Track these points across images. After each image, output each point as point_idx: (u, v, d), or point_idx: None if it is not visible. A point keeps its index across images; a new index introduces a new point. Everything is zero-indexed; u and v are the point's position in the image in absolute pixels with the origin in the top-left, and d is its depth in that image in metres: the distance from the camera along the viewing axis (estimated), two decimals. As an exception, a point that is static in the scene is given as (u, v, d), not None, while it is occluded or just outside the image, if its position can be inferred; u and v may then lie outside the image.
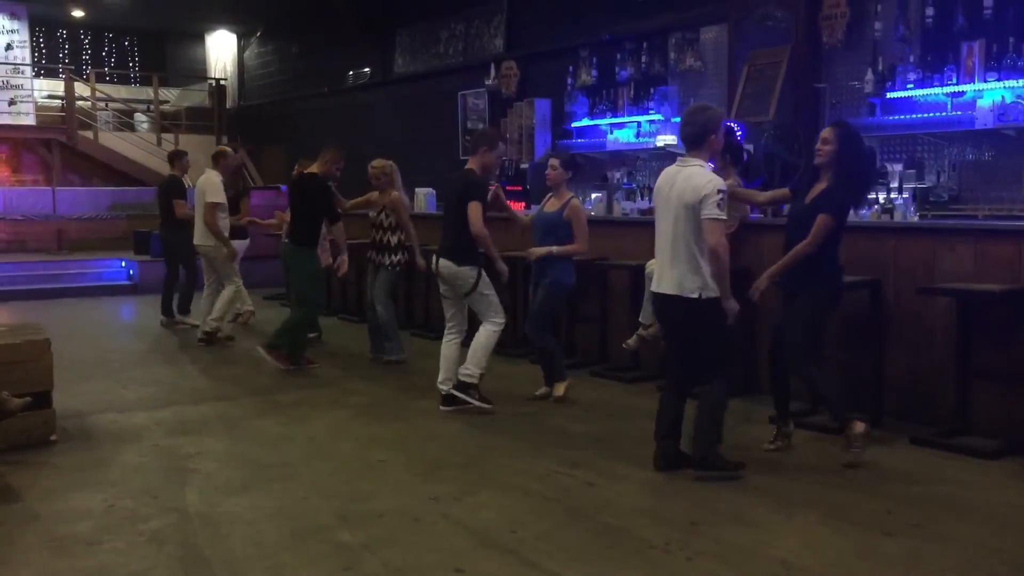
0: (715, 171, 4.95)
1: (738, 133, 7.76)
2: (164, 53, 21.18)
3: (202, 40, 20.82)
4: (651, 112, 9.70)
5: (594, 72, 10.44)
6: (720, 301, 4.72)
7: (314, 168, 7.62)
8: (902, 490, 4.63)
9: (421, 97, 13.85)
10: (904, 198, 7.19)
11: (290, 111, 17.45)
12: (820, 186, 5.10)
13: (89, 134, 17.52)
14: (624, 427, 5.81)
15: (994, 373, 5.35)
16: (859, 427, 4.98)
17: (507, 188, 10.13)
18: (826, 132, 5.14)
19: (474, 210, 6.01)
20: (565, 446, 5.44)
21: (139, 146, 17.75)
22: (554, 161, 6.51)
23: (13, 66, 17.60)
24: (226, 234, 8.91)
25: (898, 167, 7.55)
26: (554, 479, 4.84)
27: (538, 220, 6.51)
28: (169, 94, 20.05)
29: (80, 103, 17.60)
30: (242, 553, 3.90)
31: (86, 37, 20.23)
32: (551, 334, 6.59)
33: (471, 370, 6.10)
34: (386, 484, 4.81)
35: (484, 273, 6.16)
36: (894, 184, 7.41)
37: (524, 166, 11.03)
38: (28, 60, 17.95)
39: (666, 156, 9.22)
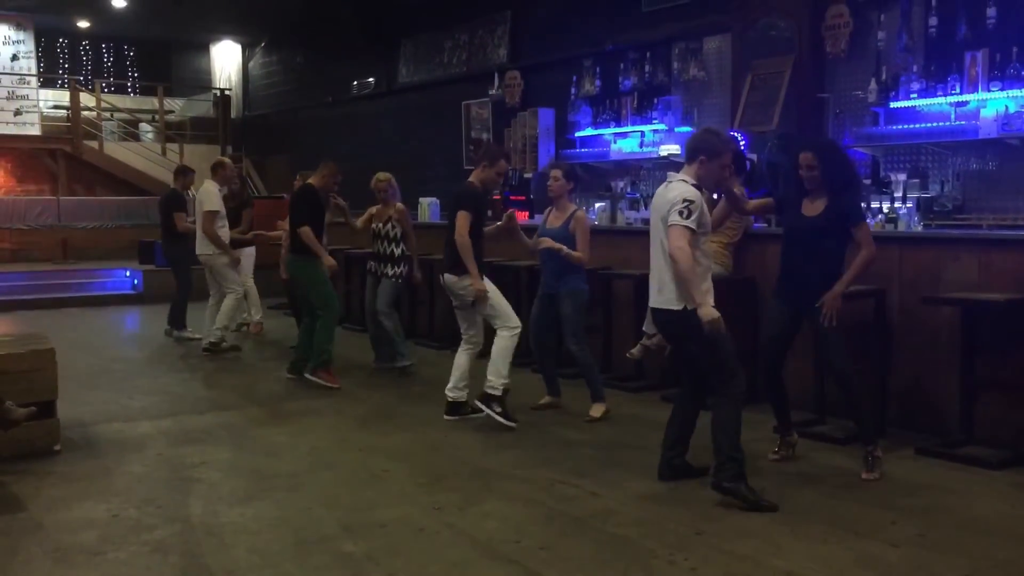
0: (719, 192, 4.96)
1: (741, 143, 7.78)
2: (169, 63, 21.24)
3: (207, 50, 20.88)
4: (655, 122, 9.71)
5: (598, 82, 10.46)
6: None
7: (313, 180, 7.70)
8: (907, 501, 4.61)
9: (425, 107, 13.88)
10: (908, 208, 7.17)
11: (294, 121, 17.50)
12: (819, 203, 5.06)
13: (94, 144, 17.57)
14: (628, 437, 5.81)
15: (999, 383, 5.34)
16: (880, 449, 5.01)
17: (511, 198, 10.17)
18: (807, 159, 5.06)
19: (460, 219, 6.02)
20: (569, 456, 5.44)
21: (144, 156, 17.79)
22: (556, 172, 6.44)
23: (19, 76, 17.66)
24: (226, 242, 8.94)
25: (902, 177, 7.54)
26: (558, 489, 4.83)
27: (543, 236, 6.44)
28: (174, 104, 20.09)
29: (85, 113, 17.64)
30: (245, 563, 3.90)
31: (91, 47, 20.30)
32: (587, 345, 6.45)
33: (492, 381, 6.03)
34: (390, 494, 4.81)
35: (488, 280, 6.16)
36: (898, 194, 7.41)
37: (528, 176, 11.05)
38: (34, 70, 18.01)
39: (670, 166, 9.22)
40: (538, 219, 8.95)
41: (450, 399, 6.26)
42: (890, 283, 5.86)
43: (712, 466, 4.65)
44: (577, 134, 10.71)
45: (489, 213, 7.15)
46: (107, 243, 15.93)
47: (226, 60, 20.34)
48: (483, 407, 6.06)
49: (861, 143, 7.94)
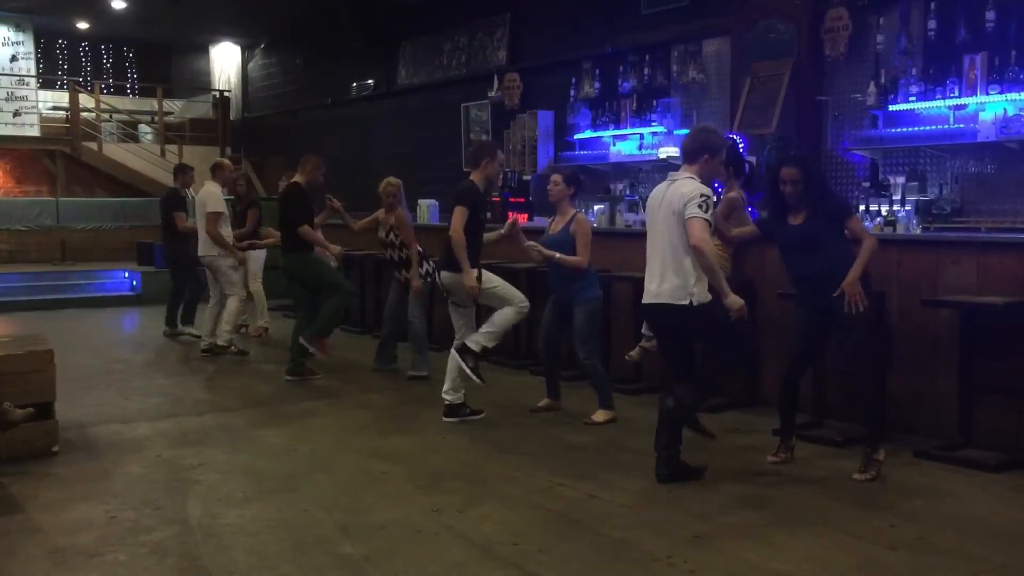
0: (718, 184, 4.96)
1: (740, 145, 7.77)
2: (168, 65, 21.24)
3: (206, 52, 20.88)
4: (654, 124, 9.71)
5: (597, 84, 10.46)
6: (710, 307, 4.76)
7: (297, 178, 7.72)
8: (905, 504, 4.62)
9: (424, 109, 13.88)
10: (907, 211, 7.19)
11: (294, 123, 17.50)
12: (801, 214, 5.08)
13: (93, 145, 17.57)
14: (627, 439, 5.80)
15: (997, 386, 5.34)
16: (882, 453, 5.02)
17: (510, 200, 10.17)
18: (789, 173, 5.03)
19: (456, 214, 6.00)
20: (567, 458, 5.44)
21: (143, 157, 17.80)
22: (556, 177, 6.39)
23: (18, 78, 17.67)
24: (230, 243, 8.96)
25: (901, 179, 7.55)
26: (556, 491, 4.83)
27: (547, 243, 6.42)
28: (173, 106, 20.09)
29: (84, 114, 17.65)
30: (244, 565, 3.90)
31: (91, 49, 20.30)
32: (598, 354, 6.43)
33: (479, 339, 6.03)
34: (388, 496, 4.80)
35: (483, 270, 6.14)
36: (897, 197, 7.41)
37: (527, 178, 11.05)
38: (33, 71, 18.01)
39: (669, 168, 9.22)
40: (538, 221, 9.00)
41: (447, 401, 6.26)
42: (889, 285, 5.86)
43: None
44: (576, 136, 10.71)
45: (488, 215, 7.12)
46: (106, 244, 15.91)
47: (225, 61, 20.34)
48: (458, 359, 6.02)
49: (860, 146, 7.95)
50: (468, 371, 6.02)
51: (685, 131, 9.38)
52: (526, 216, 9.66)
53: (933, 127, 7.43)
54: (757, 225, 5.56)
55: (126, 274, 13.98)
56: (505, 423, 6.22)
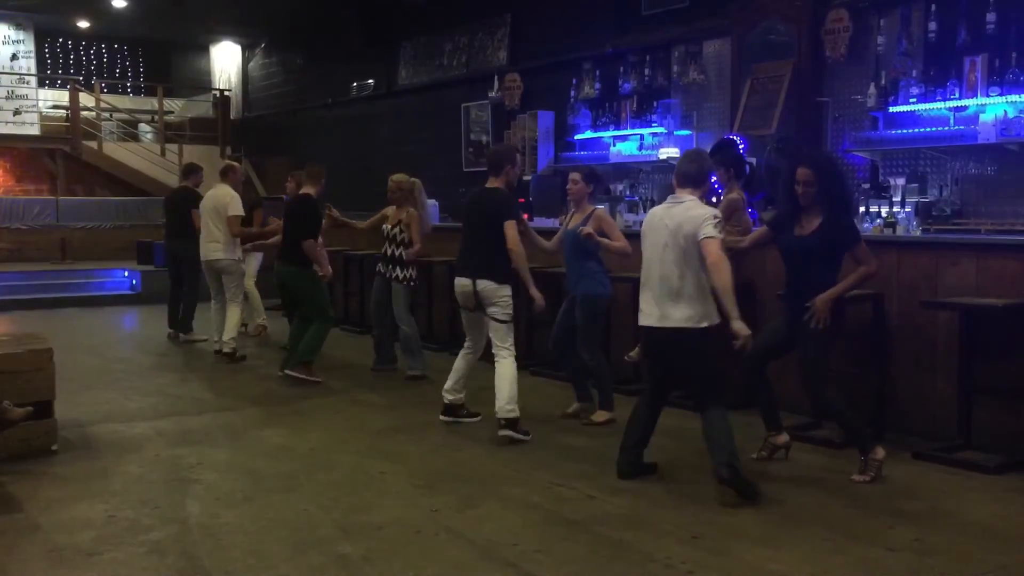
0: (718, 184, 4.95)
1: (740, 146, 7.78)
2: (169, 64, 21.24)
3: (207, 51, 20.88)
4: (654, 125, 9.71)
5: (597, 85, 10.46)
6: (713, 334, 4.75)
7: (309, 189, 7.72)
8: (904, 505, 4.62)
9: (425, 109, 13.88)
10: (907, 212, 7.20)
11: (294, 122, 17.50)
12: (814, 220, 5.02)
13: (93, 144, 17.56)
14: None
15: (997, 388, 5.35)
16: (880, 453, 5.00)
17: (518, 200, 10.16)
18: (804, 174, 4.99)
19: (511, 229, 5.87)
20: (566, 459, 5.44)
21: (143, 157, 17.79)
22: (575, 175, 6.37)
23: (18, 76, 17.67)
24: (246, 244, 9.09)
25: (900, 181, 7.55)
26: (555, 492, 4.83)
27: (565, 237, 6.38)
28: (173, 105, 20.09)
29: (85, 113, 17.63)
30: (242, 564, 3.90)
31: (91, 48, 20.30)
32: (603, 353, 6.40)
33: (512, 405, 5.81)
34: (387, 496, 4.80)
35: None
36: (897, 198, 7.42)
37: (527, 178, 11.05)
38: (33, 70, 18.02)
39: (669, 169, 9.22)
40: (538, 222, 8.99)
41: (447, 400, 6.25)
42: (888, 287, 5.86)
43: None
44: (576, 137, 10.72)
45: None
46: (105, 243, 15.91)
47: (226, 61, 20.34)
48: (516, 435, 5.80)
49: (860, 147, 7.96)
50: (520, 436, 5.83)
51: (686, 132, 9.47)
52: (526, 216, 9.65)
53: (933, 129, 7.44)
54: (768, 224, 5.48)
55: (126, 273, 13.99)
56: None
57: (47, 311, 12.12)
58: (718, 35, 9.19)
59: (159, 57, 20.90)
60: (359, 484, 5.03)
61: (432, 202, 10.41)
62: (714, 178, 6.06)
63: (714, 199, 5.54)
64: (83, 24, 18.47)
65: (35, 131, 17.68)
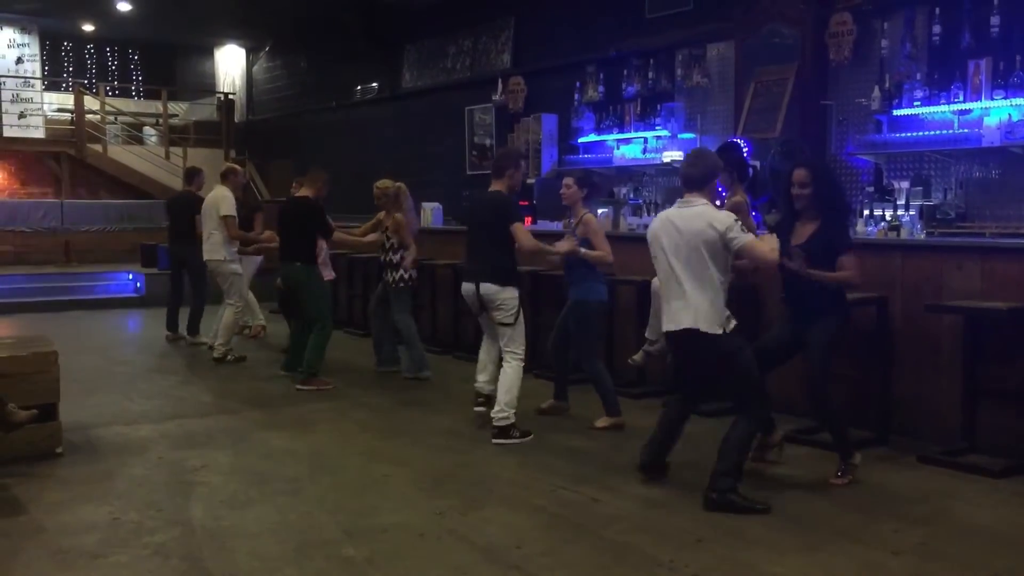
0: (722, 188, 4.94)
1: (744, 149, 7.77)
2: (173, 67, 21.28)
3: (211, 54, 20.92)
4: (658, 128, 9.71)
5: (601, 88, 10.47)
6: (735, 334, 4.76)
7: (307, 191, 7.73)
8: (909, 509, 4.61)
9: (428, 112, 13.89)
10: (911, 215, 7.18)
11: (298, 125, 17.52)
12: (809, 226, 5.01)
13: (98, 147, 17.60)
14: (630, 443, 5.78)
15: (1001, 391, 5.34)
16: (858, 458, 5.06)
17: (518, 202, 10.15)
18: (801, 175, 5.00)
19: (520, 230, 5.92)
20: (570, 462, 5.43)
21: (147, 160, 17.83)
22: (568, 180, 6.36)
23: (23, 79, 17.72)
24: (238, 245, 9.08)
25: (905, 184, 7.54)
26: (559, 495, 4.83)
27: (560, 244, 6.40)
28: (178, 108, 20.12)
29: (89, 116, 17.67)
30: (246, 567, 3.90)
31: (96, 51, 20.35)
32: (597, 359, 6.40)
33: (507, 411, 5.84)
34: (391, 499, 4.80)
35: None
36: (901, 201, 7.40)
37: (531, 181, 11.05)
38: (38, 73, 18.06)
39: (673, 172, 9.23)
40: (541, 225, 9.00)
41: (485, 392, 6.16)
42: (892, 291, 5.86)
43: (712, 475, 4.65)
44: (580, 140, 10.72)
45: None
46: (110, 246, 15.95)
47: (230, 64, 20.37)
48: (507, 442, 5.81)
49: (864, 150, 7.95)
50: (518, 440, 5.84)
51: (689, 135, 9.46)
52: (530, 219, 9.66)
53: (937, 132, 7.43)
54: (775, 230, 5.44)
55: (130, 276, 14.01)
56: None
57: (51, 314, 12.13)
58: (722, 38, 9.19)
59: (163, 60, 20.95)
60: (363, 487, 5.03)
61: (435, 205, 10.44)
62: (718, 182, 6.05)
63: (717, 202, 5.52)
64: (88, 27, 18.52)
65: (40, 134, 17.72)
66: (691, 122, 9.56)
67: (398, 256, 7.78)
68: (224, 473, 5.26)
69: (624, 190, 10.20)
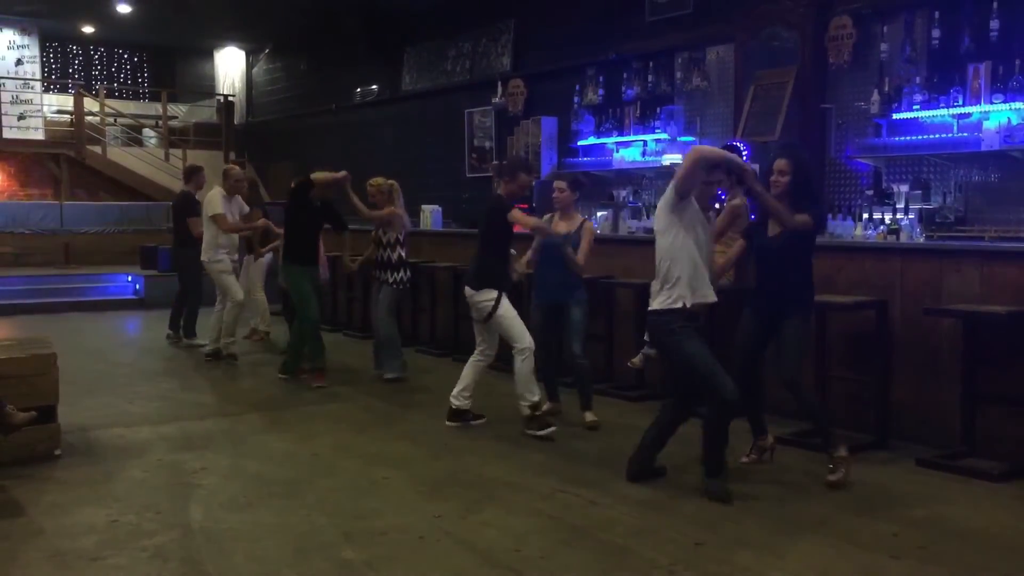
0: (721, 192, 4.96)
1: (744, 153, 7.77)
2: (173, 69, 21.29)
3: (211, 56, 20.92)
4: (657, 131, 9.71)
5: (600, 91, 10.47)
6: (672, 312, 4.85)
7: (317, 191, 7.74)
8: (908, 512, 4.61)
9: (428, 114, 13.89)
10: (910, 219, 7.18)
11: (298, 127, 17.52)
12: None
13: (97, 149, 17.60)
14: (628, 446, 5.74)
15: (1000, 395, 5.34)
16: (844, 450, 5.06)
17: (516, 206, 10.15)
18: (781, 163, 5.09)
19: (516, 215, 6.12)
20: (569, 464, 5.44)
21: (147, 161, 17.83)
22: (560, 183, 6.49)
23: (23, 81, 17.72)
24: (234, 242, 9.16)
25: (904, 188, 7.54)
26: (558, 498, 4.83)
27: (547, 243, 6.43)
28: (177, 110, 20.13)
29: (89, 118, 17.68)
30: (245, 570, 3.90)
31: (96, 53, 20.36)
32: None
33: (526, 399, 6.06)
34: (390, 501, 4.80)
35: (504, 297, 6.13)
36: (900, 205, 7.41)
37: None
38: (38, 75, 18.06)
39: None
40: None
41: (453, 406, 6.28)
42: (892, 294, 5.86)
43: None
44: (580, 143, 10.71)
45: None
46: (109, 248, 15.95)
47: (230, 66, 20.38)
48: (531, 433, 6.00)
49: (863, 154, 7.95)
50: (541, 434, 5.99)
51: (689, 138, 9.47)
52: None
53: (937, 136, 7.43)
54: (743, 234, 5.49)
55: (129, 278, 14.00)
56: (506, 429, 6.21)
57: (51, 316, 12.14)
58: (721, 41, 9.19)
59: (163, 62, 20.96)
60: (362, 490, 5.03)
61: (435, 207, 10.44)
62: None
63: (716, 206, 5.53)
64: (88, 29, 18.53)
65: (39, 136, 17.72)
66: (691, 125, 9.56)
67: (396, 254, 7.78)
68: (223, 475, 5.26)
69: (623, 193, 10.20)
